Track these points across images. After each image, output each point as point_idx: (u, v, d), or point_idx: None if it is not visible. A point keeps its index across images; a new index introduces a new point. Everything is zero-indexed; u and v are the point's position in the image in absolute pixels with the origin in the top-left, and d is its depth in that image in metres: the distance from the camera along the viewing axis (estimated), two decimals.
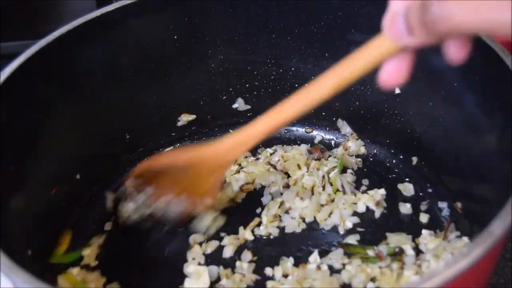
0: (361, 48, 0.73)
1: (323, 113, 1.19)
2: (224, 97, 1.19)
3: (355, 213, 1.04)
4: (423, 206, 1.04)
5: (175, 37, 1.08)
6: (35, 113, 0.93)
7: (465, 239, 0.94)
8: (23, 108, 0.91)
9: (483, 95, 0.88)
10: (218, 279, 0.95)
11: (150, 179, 0.94)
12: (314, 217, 1.04)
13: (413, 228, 1.00)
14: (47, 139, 0.97)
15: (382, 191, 1.06)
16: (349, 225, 1.02)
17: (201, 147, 0.91)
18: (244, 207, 1.07)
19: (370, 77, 1.08)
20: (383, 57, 0.70)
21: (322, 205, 1.05)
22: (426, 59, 0.97)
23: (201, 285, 0.92)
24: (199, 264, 0.97)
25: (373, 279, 0.92)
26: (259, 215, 1.05)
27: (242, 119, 1.20)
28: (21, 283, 0.64)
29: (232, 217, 1.04)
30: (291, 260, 0.97)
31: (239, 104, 1.19)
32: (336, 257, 0.96)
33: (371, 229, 1.02)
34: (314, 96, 0.82)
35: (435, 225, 1.00)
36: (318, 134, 1.21)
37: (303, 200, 1.05)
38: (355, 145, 1.15)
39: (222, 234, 1.02)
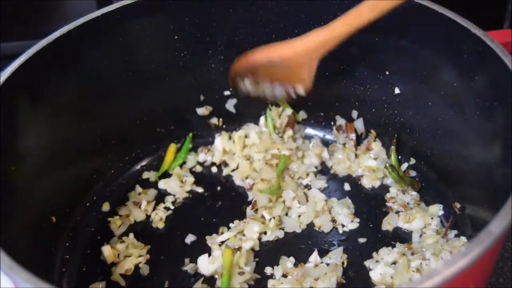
0: None
1: (322, 114, 1.19)
2: (224, 97, 1.19)
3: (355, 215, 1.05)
4: (423, 205, 1.04)
5: (175, 37, 1.08)
6: (35, 113, 0.94)
7: (463, 238, 0.95)
8: (23, 108, 0.91)
9: (483, 95, 0.88)
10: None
11: (247, 72, 1.02)
12: (312, 222, 1.04)
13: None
14: (47, 138, 0.97)
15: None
16: (350, 227, 1.02)
17: (288, 43, 0.98)
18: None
19: (369, 77, 1.10)
20: None
21: (320, 212, 1.05)
22: (425, 59, 0.98)
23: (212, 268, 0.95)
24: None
25: None
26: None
27: (242, 119, 1.21)
28: (22, 283, 0.64)
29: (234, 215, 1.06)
30: (291, 259, 0.97)
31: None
32: (336, 256, 0.96)
33: (373, 229, 1.02)
34: None
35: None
36: (316, 134, 1.21)
37: (300, 204, 1.05)
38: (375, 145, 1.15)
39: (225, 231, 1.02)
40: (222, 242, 1.00)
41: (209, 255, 0.97)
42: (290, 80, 1.02)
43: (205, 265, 0.95)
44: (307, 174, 1.11)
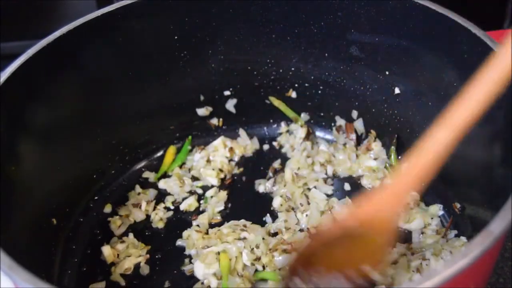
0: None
1: (322, 114, 1.19)
2: (224, 97, 1.19)
3: None
4: (423, 205, 1.04)
5: (175, 37, 1.08)
6: (35, 113, 0.94)
7: (463, 238, 0.95)
8: (23, 108, 0.91)
9: None
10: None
11: (311, 261, 0.79)
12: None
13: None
14: (47, 138, 0.97)
15: None
16: None
17: (368, 199, 0.76)
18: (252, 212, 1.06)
19: (369, 77, 1.10)
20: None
21: (322, 212, 1.04)
22: (425, 59, 0.98)
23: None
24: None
25: None
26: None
27: (241, 119, 1.21)
28: (22, 283, 0.64)
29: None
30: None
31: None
32: None
33: None
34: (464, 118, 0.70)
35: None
36: (319, 136, 1.21)
37: (303, 207, 1.05)
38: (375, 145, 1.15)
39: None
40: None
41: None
42: (362, 261, 0.76)
43: (200, 269, 0.95)
44: (316, 180, 1.10)
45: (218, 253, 0.96)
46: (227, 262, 0.93)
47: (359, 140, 1.16)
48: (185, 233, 1.02)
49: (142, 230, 1.05)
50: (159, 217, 1.06)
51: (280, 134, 1.21)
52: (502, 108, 0.83)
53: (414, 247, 0.96)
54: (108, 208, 1.08)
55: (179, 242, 1.02)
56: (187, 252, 1.00)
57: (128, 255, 0.99)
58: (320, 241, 0.79)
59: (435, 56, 0.96)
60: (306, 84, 1.16)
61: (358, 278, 0.76)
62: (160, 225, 1.05)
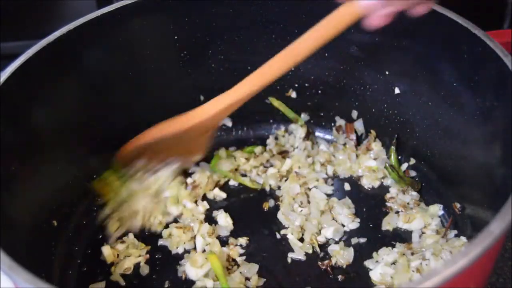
0: (330, 15, 0.86)
1: (322, 114, 1.19)
2: None
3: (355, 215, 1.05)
4: (423, 205, 1.04)
5: (175, 37, 1.08)
6: (36, 113, 0.94)
7: (463, 238, 0.95)
8: (23, 108, 0.91)
9: (483, 95, 0.88)
10: None
11: (141, 153, 1.02)
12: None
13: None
14: (47, 138, 0.97)
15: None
16: (350, 226, 1.02)
17: (187, 115, 0.98)
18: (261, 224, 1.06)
19: (369, 77, 1.10)
20: (350, 23, 0.82)
21: (322, 211, 1.04)
22: (425, 59, 0.98)
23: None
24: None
25: None
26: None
27: (241, 119, 1.21)
28: (22, 283, 0.64)
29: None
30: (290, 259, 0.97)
31: None
32: (336, 253, 0.97)
33: (373, 229, 1.02)
34: (293, 57, 0.89)
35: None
36: (319, 136, 1.21)
37: (302, 207, 1.05)
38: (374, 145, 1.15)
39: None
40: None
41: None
42: (183, 153, 1.02)
43: (192, 270, 0.94)
44: (317, 180, 1.10)
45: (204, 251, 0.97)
46: (218, 263, 0.92)
47: (359, 140, 1.17)
48: (165, 232, 1.02)
49: (141, 230, 1.05)
50: (158, 220, 1.06)
51: (280, 134, 1.21)
52: (502, 107, 0.83)
53: (414, 247, 0.96)
54: (109, 210, 1.07)
55: (161, 242, 1.02)
56: (173, 252, 1.00)
57: (128, 255, 0.99)
58: (140, 143, 1.01)
59: (435, 56, 0.96)
60: (306, 84, 1.16)
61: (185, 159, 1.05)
62: (160, 227, 1.05)
